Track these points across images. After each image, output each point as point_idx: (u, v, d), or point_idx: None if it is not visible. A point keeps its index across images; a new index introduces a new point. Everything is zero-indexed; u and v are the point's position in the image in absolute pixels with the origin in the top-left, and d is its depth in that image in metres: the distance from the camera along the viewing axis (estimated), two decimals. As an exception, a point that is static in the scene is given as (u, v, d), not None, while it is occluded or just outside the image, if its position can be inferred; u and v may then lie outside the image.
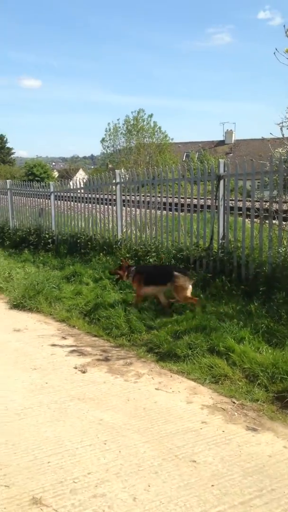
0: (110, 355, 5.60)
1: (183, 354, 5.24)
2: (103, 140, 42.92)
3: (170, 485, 3.10)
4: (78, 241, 10.11)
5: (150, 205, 8.76)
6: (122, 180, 9.38)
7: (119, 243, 9.11)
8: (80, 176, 36.51)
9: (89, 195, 10.49)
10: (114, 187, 9.47)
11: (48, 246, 11.04)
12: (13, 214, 13.31)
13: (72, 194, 11.16)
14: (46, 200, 11.80)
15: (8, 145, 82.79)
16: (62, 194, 11.47)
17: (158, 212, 8.66)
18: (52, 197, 11.46)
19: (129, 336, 6.04)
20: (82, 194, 10.82)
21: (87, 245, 9.80)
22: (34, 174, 49.76)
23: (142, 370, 5.13)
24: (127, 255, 8.48)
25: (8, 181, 13.97)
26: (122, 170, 9.91)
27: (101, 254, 9.11)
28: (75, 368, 5.18)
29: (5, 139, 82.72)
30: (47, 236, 11.25)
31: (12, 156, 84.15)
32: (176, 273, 6.43)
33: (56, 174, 64.06)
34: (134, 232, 9.00)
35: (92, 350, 5.78)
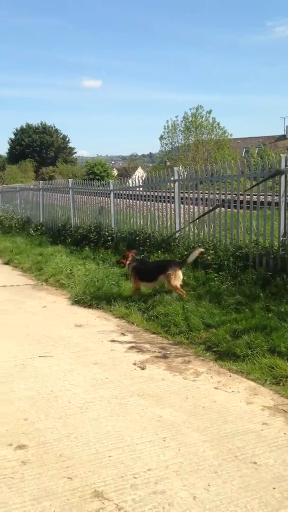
0: (168, 352, 5.62)
1: (242, 353, 5.18)
2: (161, 137, 42.95)
3: (230, 485, 3.08)
4: (137, 238, 10.20)
5: (209, 202, 8.70)
6: (180, 178, 9.37)
7: (177, 241, 9.11)
8: (139, 174, 36.74)
9: (147, 193, 10.55)
10: (172, 184, 9.47)
11: (108, 243, 11.21)
12: (75, 212, 13.60)
13: (130, 192, 11.27)
14: (106, 198, 11.97)
15: (70, 145, 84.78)
16: (121, 192, 11.61)
17: (217, 209, 8.58)
18: (112, 195, 11.62)
19: (187, 334, 6.04)
20: (141, 192, 10.90)
21: (145, 243, 9.86)
22: (95, 173, 50.62)
23: (200, 368, 5.12)
24: (185, 253, 8.46)
25: (70, 180, 14.30)
26: (180, 168, 9.88)
27: (159, 251, 9.15)
28: (134, 364, 5.24)
29: (67, 139, 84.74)
30: (106, 233, 11.42)
31: (74, 155, 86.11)
32: (168, 266, 7.18)
33: (115, 172, 64.91)
34: (192, 229, 8.96)
35: (150, 347, 5.82)
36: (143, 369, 5.12)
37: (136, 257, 7.77)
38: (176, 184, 9.34)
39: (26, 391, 4.56)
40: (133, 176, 14.29)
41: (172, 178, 9.52)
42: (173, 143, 42.60)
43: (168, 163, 41.32)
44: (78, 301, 7.93)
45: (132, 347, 5.82)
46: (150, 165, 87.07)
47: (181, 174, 9.45)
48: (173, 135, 42.12)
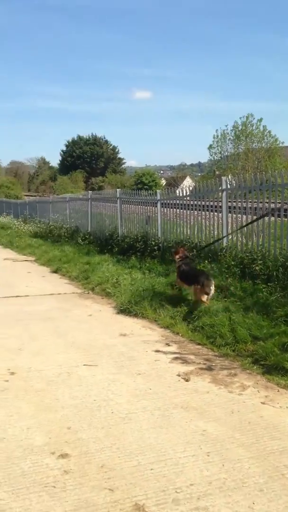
0: (213, 364, 5.51)
1: (292, 367, 5.01)
2: (210, 146, 42.63)
3: (276, 504, 2.96)
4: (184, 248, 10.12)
5: (258, 211, 8.53)
6: (228, 187, 9.25)
7: (224, 251, 8.98)
8: (187, 184, 36.67)
9: (195, 202, 10.47)
10: (220, 193, 9.36)
11: (154, 253, 11.19)
12: (122, 221, 13.70)
13: (178, 202, 11.22)
14: (153, 208, 11.98)
15: (119, 155, 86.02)
16: (168, 201, 11.59)
17: (266, 218, 8.40)
18: (159, 204, 11.62)
19: (234, 346, 5.91)
20: (188, 202, 10.84)
21: (192, 252, 9.77)
22: (143, 182, 51.05)
23: (247, 382, 4.99)
24: (232, 263, 8.33)
25: (118, 190, 14.43)
26: (229, 177, 9.75)
27: (206, 261, 9.04)
28: (178, 375, 5.16)
29: (116, 150, 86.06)
30: (153, 243, 11.41)
31: (123, 166, 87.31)
32: (198, 277, 7.28)
33: (163, 182, 65.16)
34: (240, 239, 8.81)
35: (195, 358, 5.73)
36: (187, 380, 5.04)
37: (186, 254, 8.11)
38: (224, 193, 9.22)
39: (70, 399, 4.57)
40: (181, 186, 14.22)
41: (220, 188, 9.42)
42: (222, 152, 42.27)
43: (217, 172, 40.97)
44: (123, 310, 7.94)
45: (176, 358, 5.75)
46: (199, 174, 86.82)
47: (230, 183, 9.33)
48: (222, 144, 41.73)
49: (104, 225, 14.88)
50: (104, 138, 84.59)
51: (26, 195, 43.28)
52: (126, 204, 13.55)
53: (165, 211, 11.62)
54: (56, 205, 20.46)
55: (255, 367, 5.34)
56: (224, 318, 6.43)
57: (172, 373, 5.25)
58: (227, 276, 8.20)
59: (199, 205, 10.29)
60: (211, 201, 9.93)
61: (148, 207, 12.32)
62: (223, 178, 9.36)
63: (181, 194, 11.17)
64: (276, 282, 7.34)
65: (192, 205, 10.61)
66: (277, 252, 7.82)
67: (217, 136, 42.79)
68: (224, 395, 4.68)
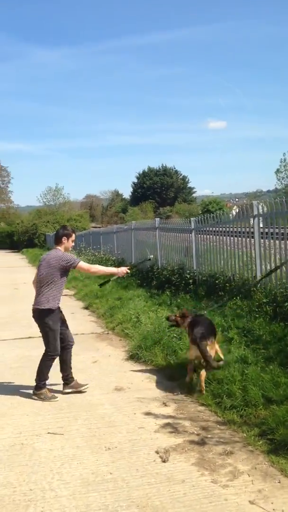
0: (209, 436, 4.31)
1: (303, 448, 3.72)
2: (277, 171, 41.04)
3: None
4: (217, 281, 8.94)
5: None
6: (260, 213, 7.99)
7: (258, 285, 7.70)
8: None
9: (229, 229, 9.27)
10: (252, 220, 8.12)
11: (189, 287, 10.05)
12: (161, 252, 12.71)
13: (215, 229, 10.02)
14: (188, 237, 10.88)
15: (190, 185, 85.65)
16: (205, 229, 10.42)
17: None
18: (193, 233, 10.52)
19: (242, 409, 4.67)
20: (224, 229, 9.63)
21: (225, 287, 8.57)
22: (210, 210, 49.85)
23: (242, 465, 3.75)
24: (264, 300, 7.05)
25: (156, 219, 13.50)
26: (263, 202, 8.48)
27: (237, 298, 7.80)
28: (157, 453, 4.02)
29: (187, 179, 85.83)
30: (188, 276, 10.30)
31: (193, 195, 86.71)
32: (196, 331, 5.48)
33: (235, 210, 63.49)
34: (275, 272, 7.49)
35: (190, 425, 4.55)
36: (164, 461, 3.88)
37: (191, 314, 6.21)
38: (256, 220, 7.98)
39: (1, 487, 3.57)
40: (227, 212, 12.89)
41: (250, 214, 8.20)
42: (289, 176, 40.36)
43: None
44: (133, 356, 6.89)
45: (166, 425, 4.60)
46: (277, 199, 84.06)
47: (262, 209, 8.07)
48: (289, 168, 39.96)
49: (145, 256, 13.93)
50: (174, 168, 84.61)
51: (93, 227, 43.52)
52: (166, 232, 12.54)
53: (201, 240, 10.46)
54: (106, 236, 19.88)
55: (260, 442, 4.08)
56: (235, 372, 5.20)
57: (150, 448, 4.12)
58: (256, 316, 6.94)
59: (234, 232, 9.08)
60: (241, 227, 8.70)
61: (186, 236, 11.22)
62: (254, 202, 8.14)
63: (213, 221, 9.96)
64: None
65: (227, 232, 9.41)
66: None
67: (285, 160, 41.20)
68: (203, 486, 3.48)
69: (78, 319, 10.25)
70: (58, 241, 5.62)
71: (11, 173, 72.14)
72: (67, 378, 5.62)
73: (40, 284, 5.46)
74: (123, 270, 5.88)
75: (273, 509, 3.15)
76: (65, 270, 5.48)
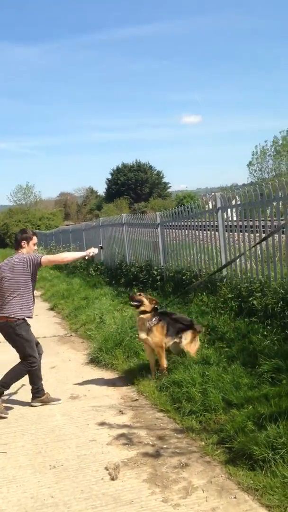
0: (165, 446, 3.98)
1: (261, 456, 3.40)
2: (250, 163, 40.99)
3: None
4: (183, 277, 8.62)
5: (260, 230, 6.93)
6: (223, 205, 7.67)
7: (224, 280, 7.41)
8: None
9: (194, 223, 8.97)
10: (215, 213, 7.80)
11: (156, 283, 9.72)
12: (129, 249, 12.34)
13: (182, 223, 9.69)
14: (154, 232, 10.54)
15: (165, 180, 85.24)
16: (171, 224, 10.09)
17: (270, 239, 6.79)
18: (159, 228, 10.18)
19: (202, 414, 4.35)
20: (188, 223, 9.31)
21: (191, 283, 8.25)
22: (184, 205, 49.68)
23: (197, 479, 3.43)
24: (229, 295, 6.76)
25: (123, 214, 13.13)
26: (224, 193, 8.18)
27: (203, 293, 7.50)
28: (106, 469, 3.66)
29: (161, 174, 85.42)
30: (155, 272, 9.97)
31: (168, 190, 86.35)
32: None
33: (211, 204, 63.37)
34: (240, 264, 7.20)
35: (146, 435, 4.21)
36: (113, 479, 3.53)
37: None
38: (219, 212, 7.68)
39: None
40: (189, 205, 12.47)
41: (208, 207, 7.89)
42: (262, 169, 40.37)
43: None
44: (93, 360, 6.53)
45: (120, 436, 4.25)
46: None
47: (224, 200, 7.75)
48: (262, 161, 39.96)
49: (114, 254, 13.56)
50: (149, 163, 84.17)
51: (66, 225, 42.89)
52: (133, 228, 12.16)
53: (168, 234, 10.14)
54: (76, 234, 19.42)
55: (218, 452, 3.76)
56: (195, 373, 4.88)
57: (100, 464, 3.76)
58: (221, 312, 6.64)
59: (200, 226, 8.79)
60: (203, 221, 8.41)
61: (153, 232, 10.89)
62: (217, 194, 7.83)
63: (177, 216, 9.64)
64: (277, 320, 5.73)
65: (193, 226, 9.10)
66: (278, 281, 6.18)
67: (256, 152, 41.08)
68: (152, 507, 3.14)
69: (42, 321, 9.83)
70: (18, 245, 5.20)
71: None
72: (38, 391, 5.16)
73: (6, 292, 5.00)
74: (92, 250, 5.41)
75: (227, 532, 2.83)
76: (32, 272, 5.05)
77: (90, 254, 5.39)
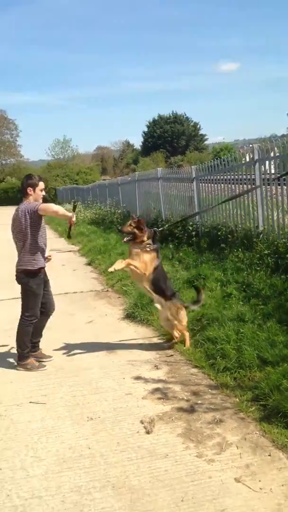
0: (199, 402, 4.03)
1: (296, 415, 3.40)
2: (291, 113, 39.24)
3: None
4: (219, 233, 8.50)
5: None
6: (261, 157, 7.43)
7: (261, 236, 7.26)
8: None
9: (229, 177, 8.74)
10: (253, 166, 7.58)
11: (192, 239, 9.64)
12: (165, 204, 12.22)
13: (218, 177, 9.48)
14: (189, 186, 10.37)
15: (202, 131, 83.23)
16: (207, 177, 9.89)
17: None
18: (195, 182, 10.00)
19: (236, 371, 4.36)
20: (224, 176, 9.10)
21: (227, 239, 8.15)
22: (221, 158, 48.58)
23: (231, 436, 3.47)
24: (265, 252, 6.64)
25: (159, 169, 12.94)
26: (262, 144, 7.89)
27: (239, 250, 7.39)
28: (141, 423, 3.75)
29: (198, 126, 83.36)
30: (190, 228, 9.86)
31: (205, 142, 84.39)
32: None
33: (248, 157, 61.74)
34: (277, 219, 7.03)
35: (181, 390, 4.27)
36: (148, 433, 3.62)
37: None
38: (257, 165, 7.44)
39: None
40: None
41: (245, 160, 7.65)
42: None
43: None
44: (129, 315, 6.60)
45: (156, 390, 4.32)
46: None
47: (262, 152, 7.48)
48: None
49: (150, 209, 13.47)
50: (185, 115, 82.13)
51: (103, 179, 42.79)
52: (169, 183, 11.99)
53: (204, 188, 9.96)
54: (112, 189, 19.36)
55: (252, 409, 3.79)
56: (230, 331, 4.87)
57: (135, 418, 3.85)
58: (257, 268, 6.54)
59: (235, 180, 8.57)
60: (240, 174, 8.17)
61: (188, 186, 10.71)
62: (255, 146, 7.58)
63: (214, 169, 9.41)
64: None
65: (229, 180, 8.88)
66: None
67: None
68: (186, 462, 3.21)
69: (79, 276, 9.98)
70: (24, 193, 5.01)
71: (19, 125, 70.15)
72: (34, 346, 5.25)
73: (17, 245, 5.05)
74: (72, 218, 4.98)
75: (260, 488, 2.87)
76: (35, 223, 4.87)
77: (73, 220, 5.00)
